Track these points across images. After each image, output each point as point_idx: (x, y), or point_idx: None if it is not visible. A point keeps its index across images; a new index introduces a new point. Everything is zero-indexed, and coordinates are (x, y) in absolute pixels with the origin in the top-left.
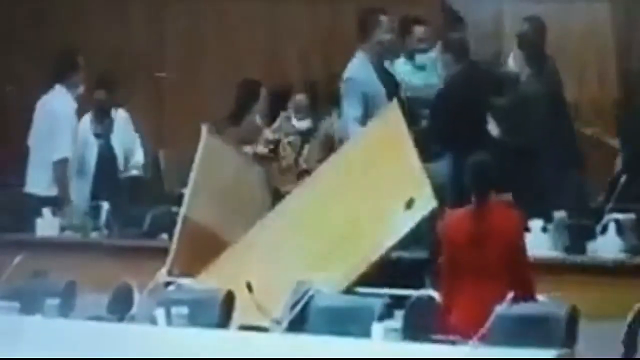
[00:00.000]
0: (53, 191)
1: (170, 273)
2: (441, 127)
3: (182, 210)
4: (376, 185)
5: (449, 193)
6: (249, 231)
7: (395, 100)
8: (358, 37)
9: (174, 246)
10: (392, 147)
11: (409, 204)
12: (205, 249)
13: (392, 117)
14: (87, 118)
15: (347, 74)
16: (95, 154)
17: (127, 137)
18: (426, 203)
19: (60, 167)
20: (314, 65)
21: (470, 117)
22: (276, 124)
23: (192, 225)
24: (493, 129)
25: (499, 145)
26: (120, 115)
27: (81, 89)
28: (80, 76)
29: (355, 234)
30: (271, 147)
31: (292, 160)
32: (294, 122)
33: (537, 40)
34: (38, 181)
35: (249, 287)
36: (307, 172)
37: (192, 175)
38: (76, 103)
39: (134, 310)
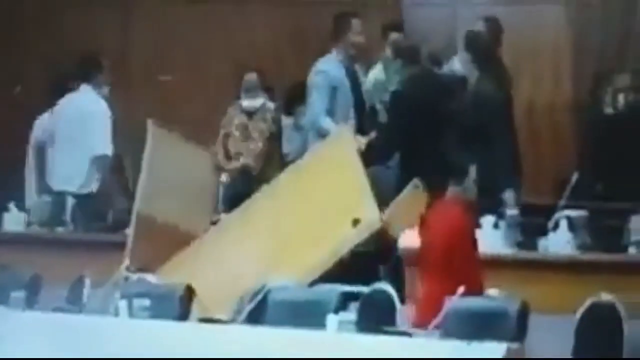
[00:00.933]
0: (86, 188)
1: (128, 268)
2: (394, 131)
3: (135, 205)
4: (326, 201)
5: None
6: (209, 230)
7: (349, 124)
8: (331, 37)
9: (130, 241)
10: (343, 167)
11: (355, 223)
12: (162, 241)
13: (344, 139)
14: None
15: (319, 66)
16: None
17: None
18: (371, 224)
19: (102, 163)
20: (289, 65)
21: (422, 121)
22: (225, 120)
23: (146, 219)
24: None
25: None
26: None
27: (105, 90)
28: (105, 77)
29: (306, 243)
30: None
31: (240, 142)
32: (245, 102)
33: (488, 41)
34: (70, 178)
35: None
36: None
37: (143, 169)
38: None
39: (86, 300)
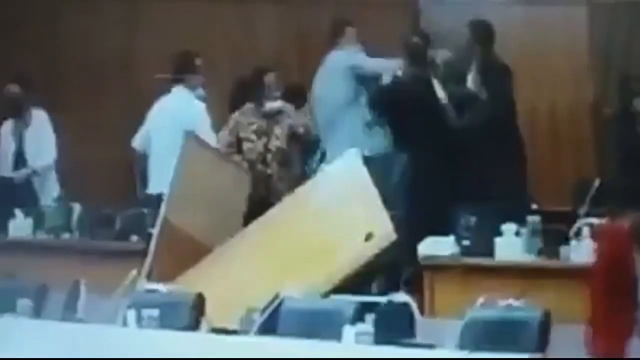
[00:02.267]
0: None
1: (149, 276)
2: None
3: (162, 213)
4: (339, 216)
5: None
6: (227, 242)
7: (356, 149)
8: (328, 43)
9: (152, 249)
10: (354, 184)
11: (368, 237)
12: (184, 254)
13: (354, 162)
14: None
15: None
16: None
17: (40, 138)
18: (384, 238)
19: None
20: (290, 66)
21: (422, 120)
22: (231, 124)
23: (171, 229)
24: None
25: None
26: (38, 115)
27: (200, 91)
28: (199, 77)
29: (319, 257)
30: (232, 150)
31: (261, 147)
32: (266, 105)
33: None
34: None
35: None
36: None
37: (172, 179)
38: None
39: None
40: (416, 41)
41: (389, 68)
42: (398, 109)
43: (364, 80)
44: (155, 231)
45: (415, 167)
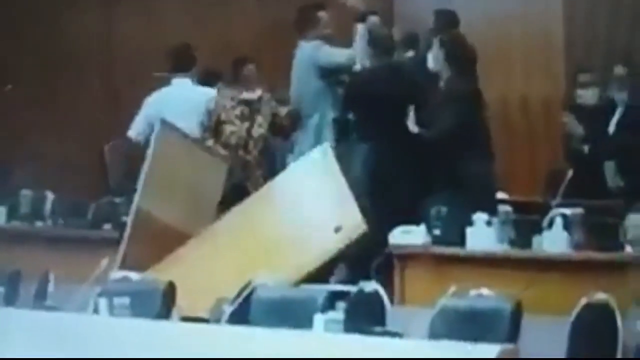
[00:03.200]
0: None
1: (122, 265)
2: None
3: (135, 201)
4: (309, 209)
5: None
6: (202, 232)
7: (327, 143)
8: (298, 31)
9: (126, 237)
10: (324, 178)
11: (337, 230)
12: (159, 242)
13: (324, 155)
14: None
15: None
16: None
17: None
18: (355, 229)
19: None
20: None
21: (385, 111)
22: (210, 105)
23: (145, 217)
24: (412, 126)
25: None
26: None
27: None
28: (196, 69)
29: (289, 248)
30: (206, 134)
31: (244, 132)
32: (244, 94)
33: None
34: None
35: None
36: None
37: (146, 167)
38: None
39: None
40: (377, 27)
41: (346, 57)
42: (363, 99)
43: (328, 74)
44: (129, 219)
45: (378, 157)
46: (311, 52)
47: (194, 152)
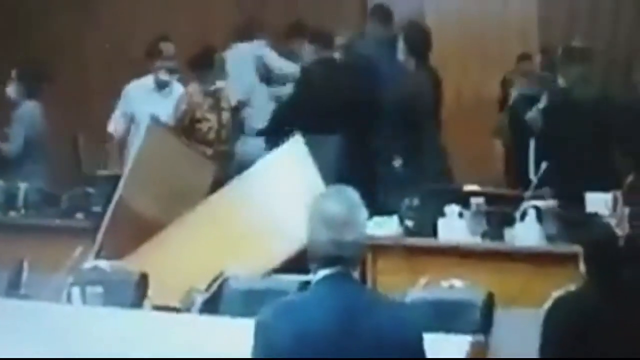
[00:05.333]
0: None
1: (98, 254)
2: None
3: (117, 192)
4: (284, 200)
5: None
6: (176, 221)
7: (298, 135)
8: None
9: (103, 227)
10: (298, 171)
11: None
12: (137, 233)
13: (297, 147)
14: None
15: None
16: None
17: None
18: None
19: None
20: None
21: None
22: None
23: (125, 208)
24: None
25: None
26: None
27: (167, 75)
28: (163, 63)
29: (264, 240)
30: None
31: (216, 124)
32: (218, 83)
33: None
34: None
35: None
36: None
37: (132, 160)
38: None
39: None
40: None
41: (290, 72)
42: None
43: (268, 72)
44: (109, 209)
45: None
46: (253, 48)
47: (182, 150)
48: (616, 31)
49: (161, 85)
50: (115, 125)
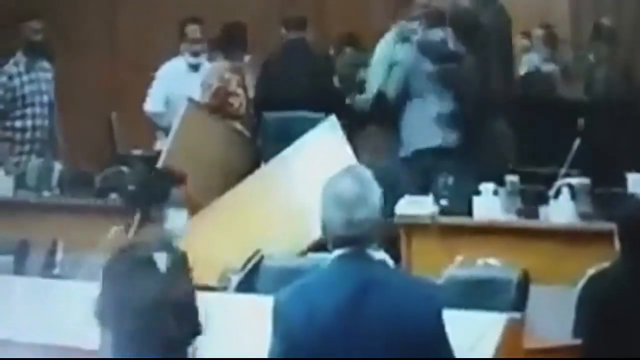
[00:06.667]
0: None
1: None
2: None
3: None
4: (318, 183)
5: None
6: (214, 201)
7: (333, 115)
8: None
9: None
10: (332, 153)
11: None
12: None
13: (332, 128)
14: None
15: None
16: None
17: None
18: None
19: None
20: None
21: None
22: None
23: None
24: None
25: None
26: None
27: (198, 58)
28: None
29: (299, 220)
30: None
31: (244, 100)
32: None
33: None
34: None
35: None
36: None
37: (171, 138)
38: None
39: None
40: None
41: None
42: None
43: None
44: None
45: None
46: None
47: (221, 130)
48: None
49: (193, 67)
50: (151, 105)
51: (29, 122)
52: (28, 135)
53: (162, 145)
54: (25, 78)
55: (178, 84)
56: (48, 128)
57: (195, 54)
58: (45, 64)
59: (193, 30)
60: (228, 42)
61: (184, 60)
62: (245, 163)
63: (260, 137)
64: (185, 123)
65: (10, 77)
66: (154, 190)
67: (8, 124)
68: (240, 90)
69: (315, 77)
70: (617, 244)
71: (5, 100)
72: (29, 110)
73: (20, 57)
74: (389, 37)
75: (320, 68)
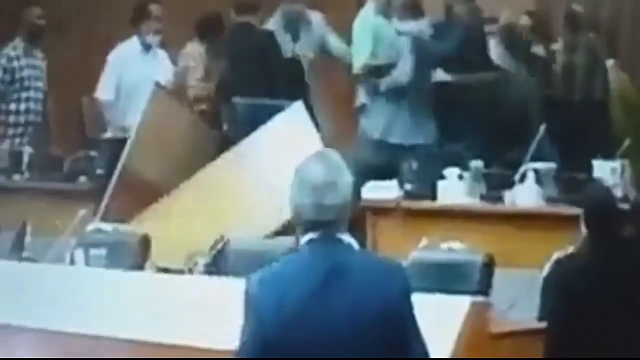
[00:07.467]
0: None
1: (104, 217)
2: None
3: (122, 158)
4: (286, 167)
5: None
6: (181, 185)
7: (300, 101)
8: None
9: (109, 191)
10: (299, 139)
11: None
12: (142, 198)
13: (299, 113)
14: None
15: None
16: None
17: None
18: None
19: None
20: None
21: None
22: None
23: (131, 174)
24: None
25: None
26: None
27: (154, 38)
28: (152, 25)
29: (265, 203)
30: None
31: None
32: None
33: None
34: None
35: None
36: None
37: (137, 125)
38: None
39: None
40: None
41: None
42: None
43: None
44: (114, 173)
45: None
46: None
47: (186, 116)
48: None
49: (147, 48)
50: (103, 91)
51: (22, 106)
52: (22, 118)
53: (112, 132)
54: (23, 62)
55: (131, 68)
56: (42, 112)
57: (157, 32)
58: (40, 53)
59: (156, 8)
60: (211, 30)
61: (138, 41)
62: (210, 147)
63: (227, 122)
64: (151, 107)
65: (10, 60)
66: None
67: (3, 107)
68: (202, 75)
69: (259, 54)
70: (583, 228)
71: (4, 82)
72: (24, 94)
73: (18, 42)
74: (369, 7)
75: (263, 46)
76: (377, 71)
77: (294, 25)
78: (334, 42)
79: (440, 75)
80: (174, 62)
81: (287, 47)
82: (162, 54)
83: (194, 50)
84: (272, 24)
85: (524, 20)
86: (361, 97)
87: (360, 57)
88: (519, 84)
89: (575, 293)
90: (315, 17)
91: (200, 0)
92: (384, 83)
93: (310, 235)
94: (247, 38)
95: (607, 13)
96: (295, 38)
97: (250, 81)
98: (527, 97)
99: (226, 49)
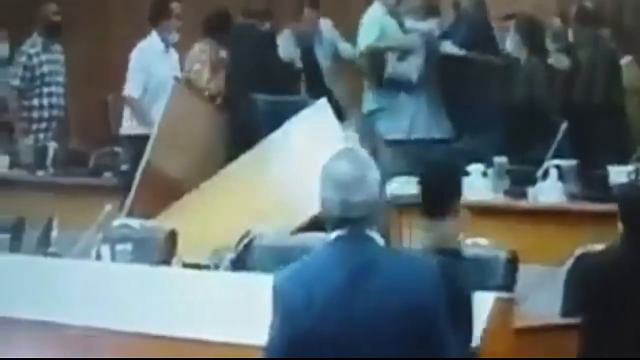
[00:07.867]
0: None
1: (130, 213)
2: None
3: (146, 155)
4: (311, 164)
5: None
6: (207, 181)
7: (324, 99)
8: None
9: (134, 187)
10: (323, 136)
11: None
12: (165, 194)
13: (323, 110)
14: None
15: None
16: None
17: None
18: None
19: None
20: None
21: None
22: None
23: (154, 170)
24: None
25: None
26: None
27: (174, 36)
28: (172, 23)
29: (292, 200)
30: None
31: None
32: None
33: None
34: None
35: None
36: None
37: (159, 122)
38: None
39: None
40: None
41: None
42: None
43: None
44: (138, 169)
45: None
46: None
47: (208, 111)
48: None
49: (167, 45)
50: (132, 89)
51: (45, 101)
52: (45, 113)
53: (129, 128)
54: (43, 57)
55: (156, 65)
56: (64, 107)
57: (177, 31)
58: (59, 47)
59: (177, 6)
60: (219, 28)
61: (159, 38)
62: (228, 143)
63: (249, 119)
64: (172, 102)
65: (30, 57)
66: None
67: (26, 103)
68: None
69: (259, 51)
70: (619, 226)
71: (25, 79)
72: (45, 89)
73: (36, 38)
74: (377, 7)
75: (262, 43)
76: (380, 57)
77: (307, 41)
78: (342, 45)
79: (448, 47)
80: (181, 65)
81: (293, 57)
82: (174, 53)
83: (200, 52)
84: (281, 40)
85: (556, 23)
86: (370, 102)
87: (365, 40)
88: (528, 72)
89: (610, 288)
90: (325, 26)
91: (209, 1)
92: (392, 69)
93: (337, 232)
94: (246, 36)
95: (620, 9)
96: (309, 53)
97: (249, 77)
98: (539, 85)
99: (231, 48)
